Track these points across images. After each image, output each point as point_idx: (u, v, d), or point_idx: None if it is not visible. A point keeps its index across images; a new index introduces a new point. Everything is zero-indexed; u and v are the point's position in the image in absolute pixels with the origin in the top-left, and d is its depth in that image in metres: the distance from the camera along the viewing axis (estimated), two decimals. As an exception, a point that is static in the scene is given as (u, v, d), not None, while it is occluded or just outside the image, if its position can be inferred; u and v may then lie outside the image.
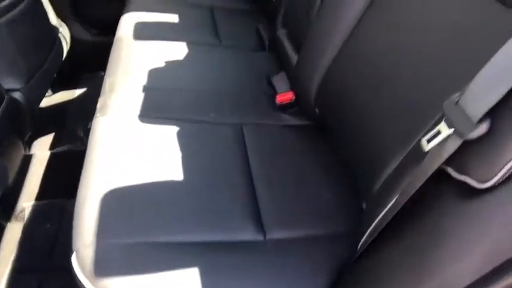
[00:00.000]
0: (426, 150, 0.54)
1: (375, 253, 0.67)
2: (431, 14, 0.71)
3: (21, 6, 1.24)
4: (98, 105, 0.99)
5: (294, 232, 0.78)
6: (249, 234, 0.75)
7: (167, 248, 0.69)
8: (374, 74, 0.79)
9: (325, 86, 0.94)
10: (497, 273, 0.49)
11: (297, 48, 1.11)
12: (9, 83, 1.14)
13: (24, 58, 1.26)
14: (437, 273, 0.54)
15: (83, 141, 1.52)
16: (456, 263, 0.53)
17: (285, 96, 1.04)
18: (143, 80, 1.04)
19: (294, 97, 1.04)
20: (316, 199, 0.85)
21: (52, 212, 1.26)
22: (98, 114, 0.97)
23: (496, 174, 0.49)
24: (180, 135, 0.91)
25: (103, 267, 0.65)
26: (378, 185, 0.71)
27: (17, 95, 1.19)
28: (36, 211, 1.26)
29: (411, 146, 0.65)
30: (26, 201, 1.29)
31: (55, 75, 1.51)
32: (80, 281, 0.66)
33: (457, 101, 0.53)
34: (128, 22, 1.31)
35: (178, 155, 0.86)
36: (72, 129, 1.59)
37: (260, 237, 0.74)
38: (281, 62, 1.20)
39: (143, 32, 1.25)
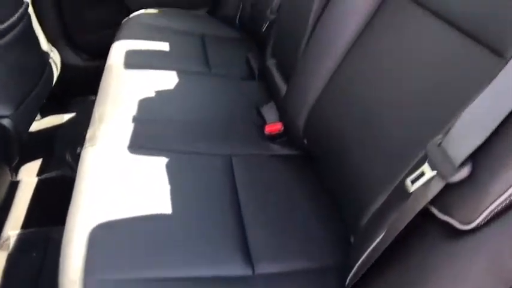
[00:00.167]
0: (411, 191, 0.56)
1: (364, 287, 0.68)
2: (418, 53, 0.73)
3: (14, 32, 1.25)
4: (88, 135, 0.99)
5: (283, 266, 0.77)
6: (237, 268, 0.75)
7: (156, 285, 0.68)
8: (359, 109, 0.81)
9: (313, 118, 0.95)
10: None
11: (286, 79, 1.13)
12: (-1, 110, 1.14)
13: (15, 85, 1.26)
14: (425, 307, 0.55)
15: (72, 167, 1.51)
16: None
17: (273, 126, 1.06)
18: (133, 110, 1.04)
19: (282, 128, 1.06)
20: (306, 231, 0.85)
21: (38, 240, 1.24)
22: (87, 144, 0.97)
23: (478, 217, 0.50)
24: (169, 166, 0.91)
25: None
26: (365, 220, 0.72)
27: (5, 122, 1.18)
28: (22, 239, 1.24)
29: (396, 183, 0.67)
30: (12, 229, 1.27)
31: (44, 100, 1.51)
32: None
33: (440, 143, 0.55)
34: (118, 50, 1.32)
35: (167, 186, 0.87)
36: (61, 155, 1.58)
37: (249, 272, 0.74)
38: (270, 92, 1.22)
39: (133, 60, 1.27)
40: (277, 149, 1.05)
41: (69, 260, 0.71)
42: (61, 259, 0.72)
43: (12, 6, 1.28)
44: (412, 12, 0.77)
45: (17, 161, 1.34)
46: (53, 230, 1.26)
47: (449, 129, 0.56)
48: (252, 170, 0.97)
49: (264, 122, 1.10)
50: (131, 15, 1.59)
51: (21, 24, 1.32)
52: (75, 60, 1.79)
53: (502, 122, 0.49)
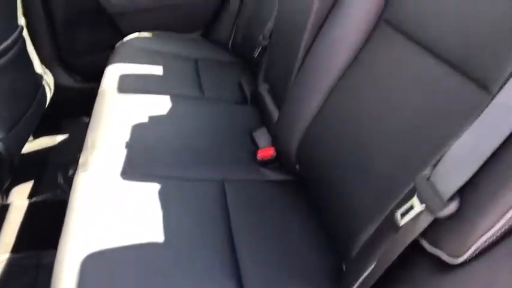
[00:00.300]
0: (400, 225, 0.57)
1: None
2: (406, 86, 0.75)
3: (8, 56, 1.26)
4: (80, 161, 0.99)
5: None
6: (229, 300, 0.75)
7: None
8: (349, 139, 0.82)
9: (305, 145, 0.96)
10: None
11: (278, 104, 1.15)
12: (-9, 133, 1.14)
13: (7, 108, 1.26)
14: None
15: (63, 189, 1.51)
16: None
17: (266, 152, 1.07)
18: (125, 136, 1.05)
19: (275, 153, 1.07)
20: (298, 258, 0.85)
21: (29, 265, 1.22)
22: (79, 170, 0.97)
23: (466, 251, 0.51)
24: (161, 192, 0.92)
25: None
26: (356, 249, 0.73)
27: (-3, 145, 1.18)
28: (12, 264, 1.23)
29: (387, 213, 0.68)
30: (2, 253, 1.25)
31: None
32: None
33: (429, 177, 0.56)
34: (112, 74, 1.33)
35: (159, 213, 0.87)
36: (52, 177, 1.57)
37: (241, 303, 0.74)
38: (263, 117, 1.23)
39: (127, 84, 1.28)
40: (270, 174, 1.06)
41: (61, 287, 0.70)
42: (52, 286, 0.72)
43: (6, 30, 1.29)
44: (400, 44, 0.79)
45: (7, 183, 1.33)
46: (44, 255, 1.24)
47: (438, 162, 0.57)
48: (245, 195, 0.97)
49: (256, 147, 1.11)
50: (125, 39, 1.61)
51: (15, 48, 1.33)
52: (68, 82, 1.79)
53: (488, 158, 0.51)
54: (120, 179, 0.93)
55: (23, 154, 1.59)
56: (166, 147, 1.06)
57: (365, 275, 0.65)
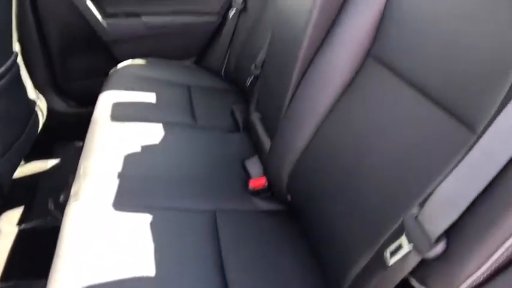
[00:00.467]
0: (389, 264, 0.57)
1: None
2: (394, 122, 0.77)
3: (2, 82, 1.26)
4: (72, 190, 0.99)
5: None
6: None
7: None
8: (339, 172, 0.83)
9: (296, 176, 0.98)
10: None
11: (270, 133, 1.16)
12: (-18, 159, 1.13)
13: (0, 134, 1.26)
14: None
15: (54, 216, 1.50)
16: None
17: (258, 181, 1.07)
18: (117, 165, 1.05)
19: (266, 183, 1.07)
20: (289, 290, 0.85)
21: (19, 294, 1.21)
22: (71, 199, 0.97)
23: (455, 291, 0.52)
24: (152, 223, 0.92)
25: None
26: (347, 283, 0.73)
27: (-13, 172, 1.18)
28: (1, 293, 1.21)
29: (376, 248, 0.69)
30: (-10, 281, 1.24)
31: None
32: None
33: (416, 216, 0.57)
34: (105, 102, 1.34)
35: (150, 245, 0.86)
36: (43, 203, 1.56)
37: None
38: (255, 146, 1.24)
39: (120, 112, 1.28)
40: (262, 204, 1.06)
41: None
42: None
43: (1, 57, 1.30)
44: (388, 80, 0.81)
45: (-3, 209, 1.32)
46: (34, 284, 1.23)
47: (426, 200, 0.59)
48: (236, 226, 0.97)
49: (248, 176, 1.12)
50: (119, 66, 1.63)
51: (9, 75, 1.34)
52: (61, 106, 1.80)
53: (475, 198, 0.52)
54: (112, 209, 0.93)
55: (14, 179, 1.58)
56: (158, 176, 1.06)
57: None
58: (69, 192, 1.00)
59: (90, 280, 0.76)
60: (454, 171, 0.56)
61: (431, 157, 0.66)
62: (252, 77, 1.41)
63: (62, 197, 1.59)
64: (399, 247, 0.57)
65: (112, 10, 1.71)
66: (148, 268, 0.81)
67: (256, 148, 1.23)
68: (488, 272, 0.50)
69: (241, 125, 1.35)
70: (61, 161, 1.80)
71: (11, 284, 1.24)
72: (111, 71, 1.61)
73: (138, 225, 0.91)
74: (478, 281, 0.51)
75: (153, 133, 1.22)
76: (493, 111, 0.60)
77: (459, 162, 0.59)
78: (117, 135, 1.17)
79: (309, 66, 1.02)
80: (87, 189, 0.98)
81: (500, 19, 0.62)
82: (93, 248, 0.83)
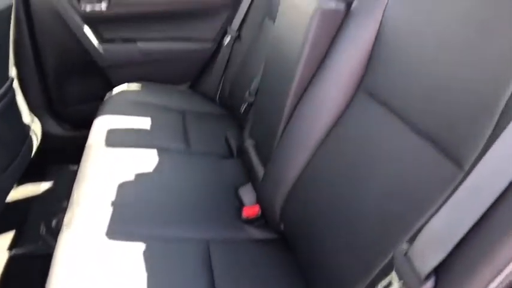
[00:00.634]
0: (380, 302, 0.58)
1: None
2: (383, 155, 0.78)
3: (-3, 108, 1.27)
4: (66, 218, 0.99)
5: None
6: None
7: None
8: (330, 202, 0.85)
9: (289, 206, 0.98)
10: None
11: (263, 161, 1.17)
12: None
13: (-8, 159, 1.26)
14: None
15: (45, 241, 1.49)
16: None
17: (251, 210, 1.08)
18: (111, 193, 1.05)
19: (259, 211, 1.08)
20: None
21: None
22: (64, 227, 0.97)
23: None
24: (145, 253, 0.92)
25: None
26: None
27: (-21, 197, 1.17)
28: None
29: (368, 281, 0.69)
30: (-21, 309, 1.22)
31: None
32: None
33: (406, 253, 0.58)
34: (100, 127, 1.35)
35: (142, 274, 0.86)
36: (35, 227, 1.55)
37: None
38: (248, 173, 1.25)
39: (114, 138, 1.29)
40: (255, 232, 1.07)
41: None
42: None
43: (-3, 82, 1.32)
44: (378, 113, 0.83)
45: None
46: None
47: (416, 235, 0.60)
48: (229, 256, 0.97)
49: (242, 205, 1.12)
50: (114, 90, 1.64)
51: (4, 100, 1.35)
52: (56, 130, 1.81)
53: (462, 237, 0.53)
54: (104, 238, 0.93)
55: (6, 202, 1.57)
56: (151, 204, 1.06)
57: None
58: (62, 217, 1.00)
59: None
60: (443, 209, 0.57)
61: (421, 192, 0.68)
62: (246, 103, 1.43)
63: (54, 222, 1.58)
64: (390, 284, 0.57)
65: (108, 36, 1.74)
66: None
67: (249, 175, 1.24)
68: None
69: (235, 151, 1.37)
70: (54, 184, 1.79)
71: (0, 311, 1.22)
72: (107, 95, 1.63)
73: (131, 255, 0.91)
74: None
75: (146, 159, 1.23)
76: (479, 149, 0.61)
77: (448, 198, 0.61)
78: (111, 162, 1.18)
79: (301, 97, 1.03)
80: (79, 218, 0.98)
81: (487, 56, 0.64)
82: (84, 277, 0.83)
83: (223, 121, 1.62)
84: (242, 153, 1.32)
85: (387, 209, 0.72)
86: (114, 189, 1.07)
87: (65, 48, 1.70)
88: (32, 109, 1.62)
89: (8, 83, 1.39)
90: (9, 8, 1.38)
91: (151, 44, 1.79)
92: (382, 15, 0.88)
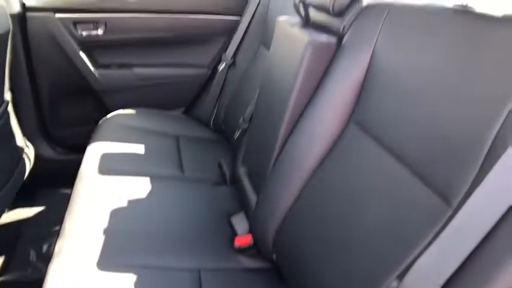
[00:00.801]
0: None
1: None
2: (373, 188, 0.79)
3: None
4: (56, 247, 0.98)
5: None
6: None
7: None
8: (323, 232, 0.85)
9: (281, 236, 0.99)
10: None
11: (256, 189, 1.18)
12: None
13: (-15, 184, 1.26)
14: None
15: (35, 268, 1.47)
16: None
17: (243, 240, 1.08)
18: (102, 221, 1.05)
19: (252, 241, 1.08)
20: None
21: None
22: (55, 256, 0.96)
23: None
24: (135, 282, 0.91)
25: None
26: None
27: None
28: None
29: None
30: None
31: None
32: None
33: (396, 290, 0.58)
34: (94, 153, 1.35)
35: (133, 306, 0.86)
36: (25, 252, 1.53)
37: None
38: (241, 201, 1.26)
39: (108, 165, 1.29)
40: (247, 261, 1.06)
41: None
42: None
43: (-9, 106, 1.32)
44: (368, 145, 0.85)
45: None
46: None
47: (405, 272, 0.60)
48: (221, 285, 0.97)
49: (234, 233, 1.12)
50: (109, 115, 1.65)
51: (-1, 124, 1.35)
52: (49, 153, 1.80)
53: (451, 275, 0.54)
54: (96, 267, 0.93)
55: (-4, 227, 1.56)
56: (142, 233, 1.06)
57: None
58: (53, 242, 0.99)
59: None
60: (431, 247, 0.58)
61: (410, 228, 0.68)
62: (240, 130, 1.44)
63: (45, 247, 1.57)
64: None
65: (104, 61, 1.76)
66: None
67: (242, 203, 1.24)
68: None
69: (228, 178, 1.37)
70: (46, 208, 1.78)
71: None
72: (101, 120, 1.63)
73: (122, 285, 0.90)
74: None
75: (140, 187, 1.23)
76: (467, 187, 0.63)
77: (437, 234, 0.61)
78: (104, 189, 1.18)
79: (294, 127, 1.05)
80: (70, 246, 0.97)
81: (472, 95, 0.66)
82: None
83: (217, 147, 1.63)
84: (235, 180, 1.33)
85: (377, 244, 0.73)
86: (106, 218, 1.07)
87: (60, 73, 1.72)
88: (25, 132, 1.62)
89: (2, 107, 1.40)
90: (7, 32, 1.39)
91: (147, 69, 1.81)
92: (373, 51, 0.91)
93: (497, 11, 0.70)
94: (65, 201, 1.17)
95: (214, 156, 1.52)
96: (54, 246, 1.00)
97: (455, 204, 0.63)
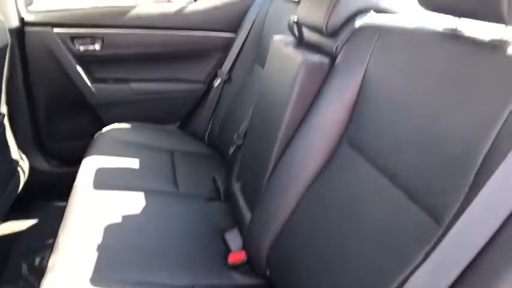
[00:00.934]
0: None
1: None
2: (365, 207, 0.81)
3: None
4: (50, 262, 0.98)
5: None
6: None
7: None
8: (317, 250, 0.86)
9: (275, 253, 0.99)
10: None
11: (250, 205, 1.18)
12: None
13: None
14: None
15: (27, 281, 1.46)
16: None
17: (237, 256, 1.08)
18: (95, 237, 1.05)
19: (246, 257, 1.09)
20: None
21: None
22: (48, 271, 0.96)
23: None
24: (129, 300, 0.92)
25: None
26: None
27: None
28: None
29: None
30: None
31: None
32: None
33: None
34: (88, 167, 1.36)
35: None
36: (17, 266, 1.52)
37: None
38: (235, 217, 1.26)
39: (102, 180, 1.30)
40: (240, 278, 1.07)
41: None
42: None
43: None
44: (360, 165, 0.86)
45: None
46: None
47: (402, 284, 0.61)
48: (214, 302, 0.97)
49: (228, 250, 1.13)
50: (104, 129, 1.66)
51: (-6, 137, 1.36)
52: (44, 166, 1.81)
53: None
54: (89, 284, 0.93)
55: (-13, 240, 1.56)
56: (136, 248, 1.06)
57: None
58: (46, 256, 0.99)
59: None
60: (425, 264, 0.59)
61: (402, 246, 0.70)
62: (235, 146, 1.45)
63: (37, 260, 1.56)
64: None
65: (101, 75, 1.78)
66: None
67: (236, 219, 1.25)
68: None
69: (222, 194, 1.38)
70: (39, 221, 1.78)
71: None
72: (96, 134, 1.64)
73: (115, 302, 0.90)
74: None
75: (134, 202, 1.23)
76: (456, 207, 0.64)
77: (428, 253, 0.63)
78: (98, 204, 1.18)
79: (288, 144, 1.06)
80: (64, 262, 0.97)
81: (462, 116, 0.68)
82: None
83: (212, 161, 1.64)
84: (229, 196, 1.34)
85: (370, 261, 0.74)
86: (100, 233, 1.07)
87: (57, 86, 1.73)
88: (21, 144, 1.63)
89: (-1, 119, 1.41)
90: (5, 47, 1.41)
91: (143, 84, 1.83)
92: (365, 71, 0.93)
93: (485, 36, 0.73)
94: (59, 214, 1.17)
95: (209, 171, 1.53)
96: (47, 260, 1.00)
97: (445, 223, 0.64)
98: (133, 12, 1.73)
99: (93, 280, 0.93)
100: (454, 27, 0.80)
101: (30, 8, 1.68)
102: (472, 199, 0.60)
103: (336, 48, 1.04)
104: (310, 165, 0.98)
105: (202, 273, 1.05)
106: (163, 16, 1.77)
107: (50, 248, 1.04)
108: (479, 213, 0.58)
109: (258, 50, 1.66)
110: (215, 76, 1.85)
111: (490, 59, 0.68)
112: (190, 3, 1.82)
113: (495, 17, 0.65)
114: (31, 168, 1.68)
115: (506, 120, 0.61)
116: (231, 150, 1.47)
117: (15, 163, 1.57)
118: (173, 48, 1.81)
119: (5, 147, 1.50)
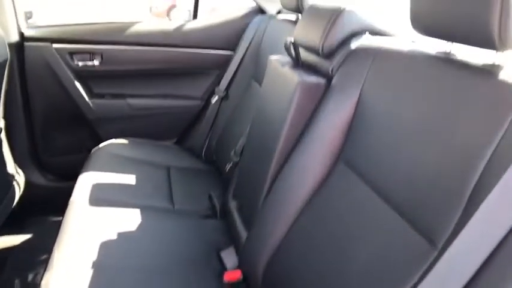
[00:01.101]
0: None
1: None
2: (361, 228, 0.81)
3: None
4: (44, 280, 0.98)
5: None
6: None
7: None
8: (313, 269, 0.86)
9: (271, 271, 0.99)
10: None
11: (246, 223, 1.19)
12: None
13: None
14: None
15: (20, 298, 1.45)
16: None
17: (232, 275, 1.08)
18: (91, 256, 1.04)
19: (241, 276, 1.08)
20: None
21: None
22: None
23: None
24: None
25: None
26: None
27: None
28: None
29: None
30: None
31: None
32: None
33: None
34: (85, 183, 1.36)
35: None
36: (9, 281, 1.51)
37: None
38: (231, 235, 1.26)
39: (98, 196, 1.29)
40: (236, 297, 1.07)
41: None
42: None
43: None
44: (356, 185, 0.87)
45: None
46: None
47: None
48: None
49: (223, 268, 1.12)
50: (101, 145, 1.66)
51: (-10, 151, 1.36)
52: (40, 180, 1.80)
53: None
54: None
55: (-19, 255, 1.54)
56: (131, 269, 1.05)
57: None
58: (39, 272, 0.98)
59: None
60: (419, 287, 0.60)
61: (396, 268, 0.70)
62: (231, 163, 1.46)
63: (30, 276, 1.55)
64: None
65: (99, 91, 1.79)
66: None
67: (232, 237, 1.25)
68: None
69: (218, 211, 1.38)
70: (33, 236, 1.76)
71: None
72: (93, 149, 1.64)
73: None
74: None
75: (129, 219, 1.23)
76: (450, 230, 0.65)
77: (423, 275, 0.63)
78: (94, 221, 1.18)
79: (284, 163, 1.07)
80: (57, 280, 0.97)
81: (454, 141, 0.69)
82: None
83: (208, 178, 1.65)
84: (225, 214, 1.34)
85: (365, 281, 0.74)
86: (95, 251, 1.07)
87: (55, 101, 1.74)
88: (17, 158, 1.62)
89: (-5, 135, 1.41)
90: (5, 61, 1.42)
91: (141, 100, 1.84)
92: (360, 93, 0.94)
93: (478, 60, 0.75)
94: (54, 229, 1.16)
95: (205, 187, 1.53)
96: (41, 276, 0.99)
97: (439, 245, 0.65)
98: (133, 28, 1.76)
99: (86, 299, 0.93)
100: (447, 51, 0.81)
101: (30, 21, 1.70)
102: (466, 221, 0.61)
103: (332, 69, 1.06)
104: (307, 184, 0.98)
105: (197, 292, 1.04)
106: (163, 33, 1.79)
107: (44, 264, 1.03)
108: (474, 235, 0.59)
109: (256, 67, 1.68)
110: (213, 93, 1.87)
111: (483, 83, 0.69)
112: (189, 21, 1.85)
113: (486, 43, 0.67)
114: (27, 183, 1.68)
115: (498, 143, 0.63)
116: (228, 167, 1.47)
117: (11, 177, 1.56)
118: (171, 65, 1.83)
119: (1, 161, 1.50)
